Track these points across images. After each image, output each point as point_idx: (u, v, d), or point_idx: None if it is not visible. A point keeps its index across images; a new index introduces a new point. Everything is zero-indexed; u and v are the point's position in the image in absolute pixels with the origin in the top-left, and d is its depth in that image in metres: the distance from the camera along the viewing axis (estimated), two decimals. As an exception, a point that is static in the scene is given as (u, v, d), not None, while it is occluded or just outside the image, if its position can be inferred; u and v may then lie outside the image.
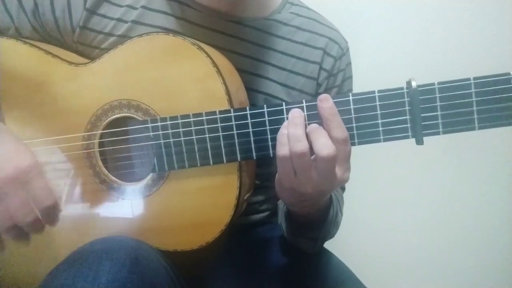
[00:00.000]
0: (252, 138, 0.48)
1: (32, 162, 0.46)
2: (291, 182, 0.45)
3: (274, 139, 0.47)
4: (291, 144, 0.43)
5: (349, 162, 0.45)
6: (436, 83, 0.44)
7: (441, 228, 1.07)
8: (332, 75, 0.63)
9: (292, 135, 0.44)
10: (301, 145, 0.43)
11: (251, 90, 0.59)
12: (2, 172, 0.44)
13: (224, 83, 0.49)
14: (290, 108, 0.46)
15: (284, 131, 0.45)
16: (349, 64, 0.65)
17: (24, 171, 0.45)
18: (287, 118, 0.46)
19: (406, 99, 0.44)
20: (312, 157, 0.43)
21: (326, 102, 0.44)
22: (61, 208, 0.48)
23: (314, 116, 0.46)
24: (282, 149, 0.44)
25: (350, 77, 0.66)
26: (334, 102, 0.45)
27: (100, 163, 0.52)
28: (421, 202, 1.06)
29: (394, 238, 1.06)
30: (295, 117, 0.45)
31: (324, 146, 0.42)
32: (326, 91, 0.63)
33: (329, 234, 0.58)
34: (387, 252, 1.07)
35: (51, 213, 0.47)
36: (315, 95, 0.62)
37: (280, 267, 0.59)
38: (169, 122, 0.49)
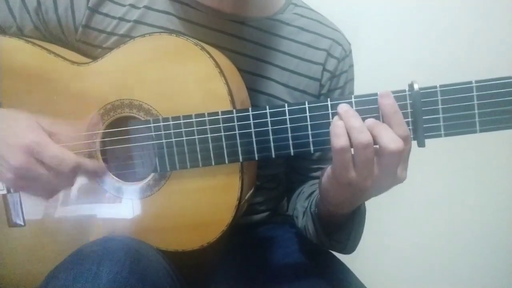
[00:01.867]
0: (254, 139, 0.48)
1: (36, 131, 0.46)
2: (350, 176, 0.43)
3: (276, 140, 0.47)
4: (355, 135, 0.41)
5: (407, 161, 0.44)
6: (438, 86, 0.44)
7: (441, 229, 1.07)
8: (335, 76, 0.63)
9: (353, 126, 0.42)
10: (366, 136, 0.41)
11: (253, 90, 0.59)
12: (14, 158, 0.45)
13: (227, 84, 0.49)
14: (293, 109, 0.46)
15: (338, 122, 0.43)
16: (351, 66, 0.65)
17: (34, 143, 0.45)
18: (289, 119, 0.46)
19: (408, 101, 0.44)
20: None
21: (387, 99, 0.43)
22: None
23: (315, 117, 0.46)
24: (340, 141, 0.42)
25: (352, 79, 0.66)
26: (336, 104, 0.45)
27: (102, 162, 0.52)
28: (422, 204, 1.06)
29: (394, 238, 1.06)
30: (348, 110, 0.43)
31: (392, 140, 0.41)
32: (329, 92, 0.63)
33: (359, 237, 0.56)
34: (387, 252, 1.07)
35: (75, 171, 0.47)
36: (318, 96, 0.63)
37: (280, 267, 0.59)
38: (171, 122, 0.49)
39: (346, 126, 0.42)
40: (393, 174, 0.43)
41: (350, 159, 0.42)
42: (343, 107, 0.44)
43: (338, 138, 0.42)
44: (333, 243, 0.56)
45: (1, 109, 0.51)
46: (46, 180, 0.46)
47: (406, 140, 0.42)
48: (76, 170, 0.47)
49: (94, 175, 0.51)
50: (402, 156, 0.42)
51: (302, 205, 0.61)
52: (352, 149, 0.42)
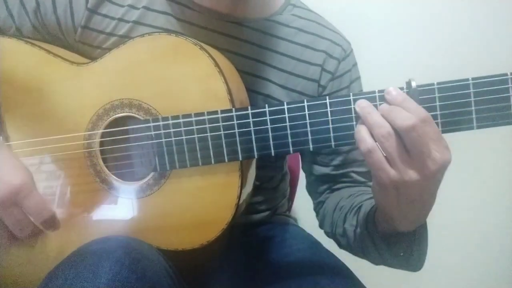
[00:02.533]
0: (253, 137, 0.48)
1: (24, 179, 0.48)
2: (389, 174, 0.41)
3: (275, 138, 0.47)
4: (375, 131, 0.41)
5: (444, 140, 0.41)
6: (435, 83, 0.44)
7: (441, 229, 1.07)
8: (336, 77, 0.62)
9: (370, 123, 0.42)
10: (385, 128, 0.41)
11: (251, 91, 0.59)
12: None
13: (226, 83, 0.49)
14: (291, 108, 0.47)
15: (359, 127, 0.43)
16: (355, 65, 0.65)
17: (17, 190, 0.47)
18: (288, 117, 0.47)
19: (406, 99, 0.45)
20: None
21: (392, 91, 0.42)
22: (56, 215, 0.51)
23: (314, 115, 0.46)
24: (366, 144, 0.41)
25: (358, 77, 0.65)
26: (335, 102, 0.46)
27: (101, 162, 0.52)
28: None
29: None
30: (365, 106, 0.43)
31: (405, 117, 0.40)
32: (334, 93, 0.62)
33: (424, 252, 0.51)
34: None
35: (50, 222, 0.50)
36: (317, 97, 0.62)
37: (280, 267, 0.59)
38: (170, 122, 0.49)
39: (366, 125, 0.42)
40: (427, 155, 0.40)
41: (382, 157, 0.41)
42: (360, 104, 0.44)
43: (363, 142, 0.42)
44: (398, 259, 0.51)
45: None
46: (18, 219, 0.48)
47: (425, 121, 0.40)
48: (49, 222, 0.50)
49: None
50: (426, 134, 0.40)
51: (350, 223, 0.56)
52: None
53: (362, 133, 0.42)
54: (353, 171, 0.62)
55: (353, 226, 0.56)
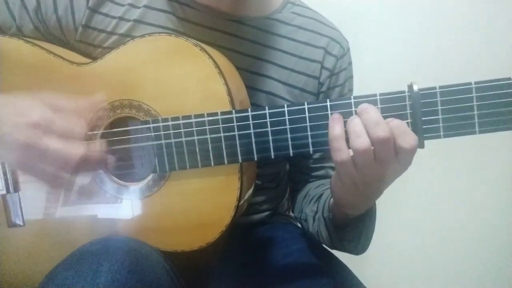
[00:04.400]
0: (253, 140, 0.48)
1: (38, 110, 0.42)
2: (353, 175, 0.43)
3: (275, 141, 0.47)
4: (372, 130, 0.41)
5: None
6: (437, 87, 0.44)
7: (442, 229, 1.07)
8: (334, 74, 0.63)
9: (372, 122, 0.41)
10: (383, 131, 0.41)
11: (253, 89, 0.59)
12: (21, 135, 0.41)
13: (226, 84, 0.49)
14: (292, 110, 0.46)
15: (356, 120, 0.43)
16: (350, 63, 0.65)
17: (38, 122, 0.42)
18: (288, 120, 0.46)
19: (407, 102, 0.44)
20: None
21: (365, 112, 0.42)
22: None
23: (314, 118, 0.46)
24: (360, 141, 0.42)
25: (351, 76, 0.66)
26: (335, 104, 0.45)
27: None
28: (422, 204, 1.06)
29: (394, 238, 1.06)
30: (367, 106, 0.43)
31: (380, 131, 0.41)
32: (329, 90, 0.63)
33: (372, 232, 0.56)
34: (387, 252, 1.07)
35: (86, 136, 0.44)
36: (317, 94, 0.63)
37: (280, 267, 0.59)
38: (170, 123, 0.49)
39: (364, 123, 0.42)
40: (392, 163, 0.42)
41: (350, 161, 0.43)
42: (363, 106, 0.43)
43: (358, 139, 0.42)
44: (344, 243, 0.57)
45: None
46: (55, 156, 0.42)
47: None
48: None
49: (97, 162, 0.46)
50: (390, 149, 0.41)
51: (311, 209, 0.61)
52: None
53: (359, 126, 0.42)
54: (330, 167, 0.64)
55: (313, 212, 0.60)
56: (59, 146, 0.42)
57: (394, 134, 0.42)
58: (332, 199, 0.54)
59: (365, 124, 0.42)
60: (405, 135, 0.42)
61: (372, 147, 0.42)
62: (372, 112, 0.42)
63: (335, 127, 0.43)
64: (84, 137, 0.44)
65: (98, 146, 0.46)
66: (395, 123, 0.42)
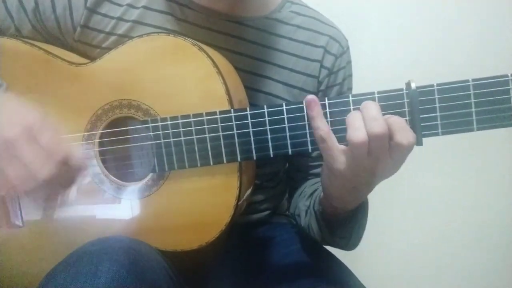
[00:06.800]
0: (252, 138, 0.48)
1: (36, 114, 0.42)
2: (365, 164, 0.43)
3: (274, 139, 0.47)
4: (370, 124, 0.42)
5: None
6: (435, 84, 0.44)
7: (441, 229, 1.07)
8: (332, 73, 0.63)
9: (370, 117, 0.42)
10: (379, 126, 0.41)
11: (252, 89, 0.59)
12: (10, 130, 0.40)
13: (224, 83, 0.49)
14: (290, 109, 0.46)
15: (356, 114, 0.43)
16: (349, 62, 0.65)
17: (31, 124, 0.41)
18: (286, 118, 0.46)
19: (405, 100, 0.44)
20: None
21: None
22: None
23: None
24: (357, 135, 0.42)
25: (350, 75, 0.66)
26: (333, 103, 0.45)
27: (100, 163, 0.52)
28: (422, 204, 1.06)
29: (394, 238, 1.06)
30: (368, 104, 0.43)
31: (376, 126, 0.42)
32: (328, 89, 0.63)
33: (363, 229, 0.57)
34: (387, 252, 1.07)
35: (68, 156, 0.43)
36: (316, 93, 0.63)
37: (280, 266, 0.59)
38: (169, 122, 0.49)
39: (364, 117, 0.43)
40: (401, 163, 0.43)
41: (367, 150, 0.43)
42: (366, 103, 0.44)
43: (355, 131, 0.42)
44: (336, 239, 0.57)
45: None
46: (24, 167, 0.40)
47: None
48: (64, 160, 0.42)
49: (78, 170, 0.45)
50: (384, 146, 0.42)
51: (304, 204, 0.61)
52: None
53: (358, 120, 0.43)
54: None
55: (305, 206, 0.61)
56: (33, 160, 0.40)
57: (392, 130, 0.42)
58: (322, 193, 0.54)
59: (364, 119, 0.43)
60: (403, 131, 0.42)
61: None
62: (372, 108, 0.43)
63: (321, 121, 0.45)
64: (58, 163, 0.42)
65: (71, 177, 0.45)
66: (394, 119, 0.43)
